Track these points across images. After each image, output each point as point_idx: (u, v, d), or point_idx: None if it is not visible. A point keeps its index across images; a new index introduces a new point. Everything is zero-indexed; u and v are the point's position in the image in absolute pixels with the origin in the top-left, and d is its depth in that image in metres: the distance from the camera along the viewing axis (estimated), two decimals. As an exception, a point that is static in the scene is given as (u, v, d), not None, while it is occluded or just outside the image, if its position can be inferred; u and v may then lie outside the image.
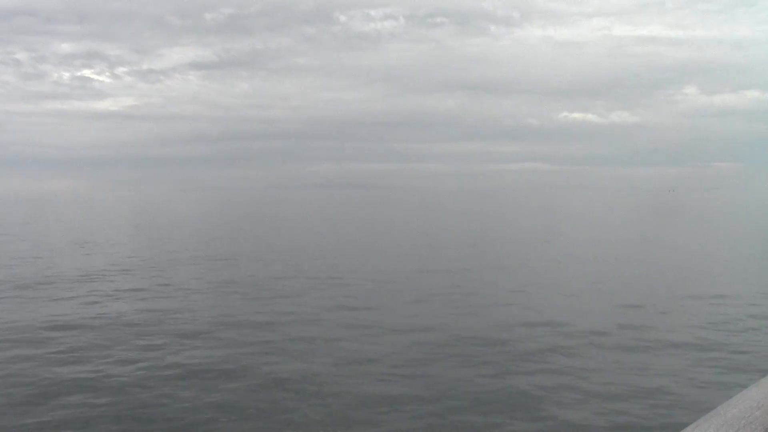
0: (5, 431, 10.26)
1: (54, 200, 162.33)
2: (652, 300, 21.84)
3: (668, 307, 20.88)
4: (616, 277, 27.72)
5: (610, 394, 12.04)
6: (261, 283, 25.22)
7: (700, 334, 16.77)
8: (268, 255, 33.92)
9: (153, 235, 47.48)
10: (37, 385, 12.45)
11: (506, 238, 48.24)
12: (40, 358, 14.27)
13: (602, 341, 16.03)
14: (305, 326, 17.64)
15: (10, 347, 15.19)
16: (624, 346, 15.70)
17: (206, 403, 11.56)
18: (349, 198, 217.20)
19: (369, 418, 10.91)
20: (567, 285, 25.56)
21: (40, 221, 69.59)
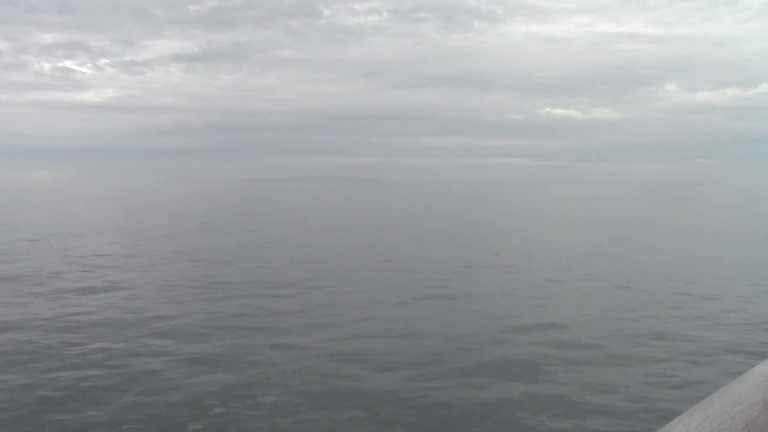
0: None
1: (33, 191, 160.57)
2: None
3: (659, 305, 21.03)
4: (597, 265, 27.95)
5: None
6: (211, 284, 22.65)
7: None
8: (233, 253, 31.82)
9: (120, 231, 46.15)
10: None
11: (490, 234, 48.45)
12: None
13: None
14: (253, 331, 16.13)
15: None
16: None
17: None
18: (333, 192, 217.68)
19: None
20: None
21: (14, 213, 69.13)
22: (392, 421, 10.25)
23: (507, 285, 23.15)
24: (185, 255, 30.73)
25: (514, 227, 53.42)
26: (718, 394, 1.78)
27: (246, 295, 20.56)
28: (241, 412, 10.48)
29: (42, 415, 10.27)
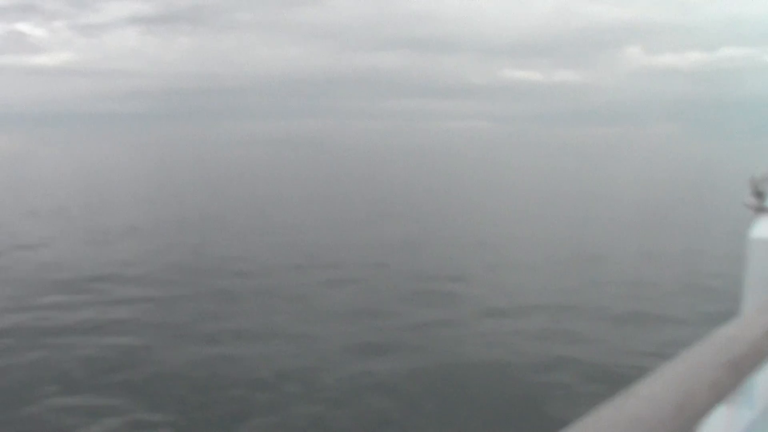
0: None
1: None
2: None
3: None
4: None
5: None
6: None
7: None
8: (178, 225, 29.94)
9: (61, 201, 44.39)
10: None
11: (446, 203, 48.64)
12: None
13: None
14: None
15: None
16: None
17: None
18: (290, 156, 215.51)
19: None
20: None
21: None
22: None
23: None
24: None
25: (452, 199, 52.94)
26: (683, 356, 1.78)
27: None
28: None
29: None
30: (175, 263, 19.94)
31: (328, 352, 12.09)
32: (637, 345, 12.57)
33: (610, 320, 14.25)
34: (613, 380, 10.33)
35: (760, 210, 4.09)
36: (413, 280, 17.99)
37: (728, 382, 1.73)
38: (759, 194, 4.34)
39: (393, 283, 17.72)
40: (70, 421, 9.17)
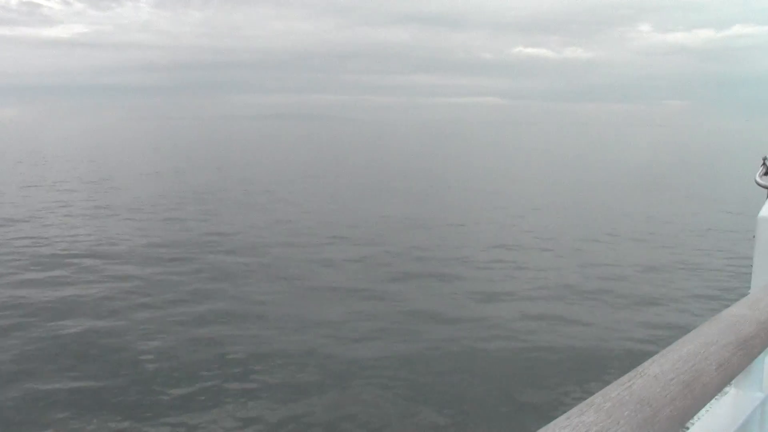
0: None
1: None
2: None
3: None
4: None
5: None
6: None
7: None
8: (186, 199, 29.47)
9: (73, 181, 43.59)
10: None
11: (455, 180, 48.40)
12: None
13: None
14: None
15: None
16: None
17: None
18: (300, 130, 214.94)
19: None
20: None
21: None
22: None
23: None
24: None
25: (460, 175, 52.21)
26: (692, 335, 1.78)
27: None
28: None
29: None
30: (166, 240, 19.36)
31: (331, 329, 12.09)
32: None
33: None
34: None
35: (771, 190, 4.06)
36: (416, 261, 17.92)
37: (736, 361, 1.73)
38: (770, 174, 4.31)
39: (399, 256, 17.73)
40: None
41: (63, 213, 24.78)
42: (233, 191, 32.63)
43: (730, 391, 2.39)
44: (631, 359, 9.92)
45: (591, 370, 10.16)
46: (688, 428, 2.23)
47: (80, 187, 34.36)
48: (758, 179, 4.22)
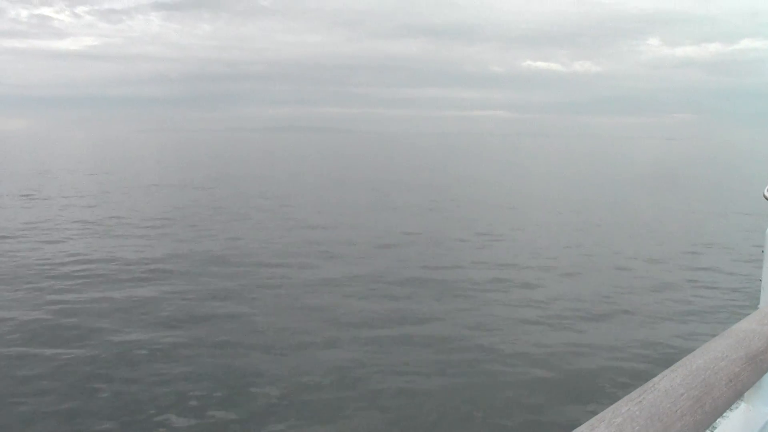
0: None
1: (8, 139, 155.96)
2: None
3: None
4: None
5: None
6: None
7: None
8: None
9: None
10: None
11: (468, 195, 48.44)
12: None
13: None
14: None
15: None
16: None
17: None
18: (309, 142, 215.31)
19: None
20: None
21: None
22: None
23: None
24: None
25: (465, 184, 52.67)
26: (702, 350, 1.79)
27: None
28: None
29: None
30: (172, 254, 19.30)
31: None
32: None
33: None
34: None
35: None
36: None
37: (746, 376, 1.74)
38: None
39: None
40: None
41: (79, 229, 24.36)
42: (245, 204, 32.33)
43: (740, 406, 2.39)
44: (641, 374, 9.89)
45: (600, 386, 10.13)
46: None
47: (84, 202, 33.13)
48: (766, 194, 4.21)
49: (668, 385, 1.48)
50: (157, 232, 23.43)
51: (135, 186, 41.42)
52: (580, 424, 1.23)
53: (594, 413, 1.28)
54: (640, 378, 9.39)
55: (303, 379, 10.00)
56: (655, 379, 1.51)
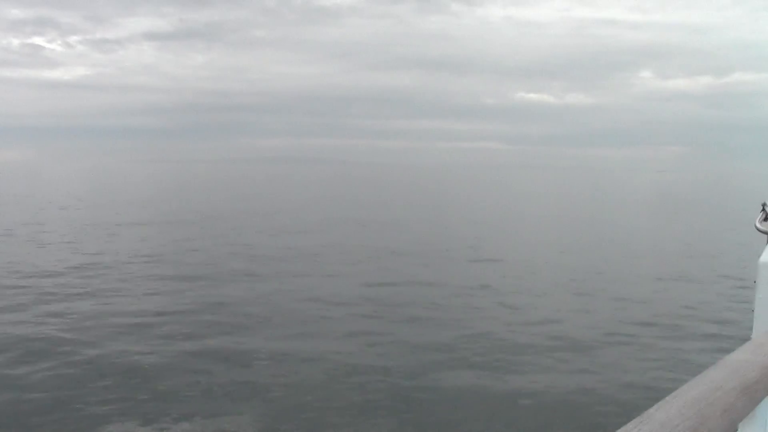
0: None
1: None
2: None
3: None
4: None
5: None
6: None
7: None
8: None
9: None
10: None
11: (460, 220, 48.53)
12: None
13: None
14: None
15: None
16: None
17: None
18: (306, 174, 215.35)
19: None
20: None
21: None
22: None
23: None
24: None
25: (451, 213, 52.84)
26: (697, 380, 1.81)
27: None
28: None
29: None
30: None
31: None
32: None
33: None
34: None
35: (770, 235, 4.08)
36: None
37: (741, 406, 1.75)
38: (770, 219, 4.33)
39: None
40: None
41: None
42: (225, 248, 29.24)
43: None
44: (637, 405, 9.84)
45: (596, 416, 10.07)
46: None
47: (73, 239, 31.43)
48: (758, 225, 4.25)
49: (664, 416, 1.49)
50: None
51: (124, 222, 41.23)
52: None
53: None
54: (635, 408, 9.34)
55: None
56: (651, 410, 1.52)
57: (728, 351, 2.12)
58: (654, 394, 10.14)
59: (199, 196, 69.32)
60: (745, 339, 2.56)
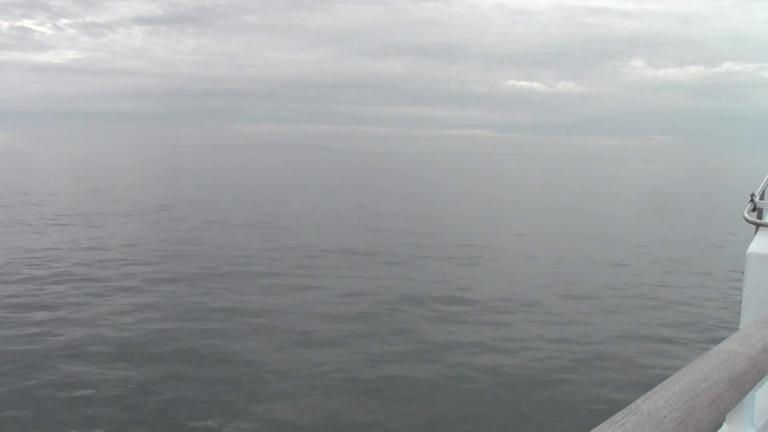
0: None
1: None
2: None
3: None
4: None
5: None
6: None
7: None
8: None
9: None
10: None
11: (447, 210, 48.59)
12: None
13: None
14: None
15: None
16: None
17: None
18: (292, 160, 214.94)
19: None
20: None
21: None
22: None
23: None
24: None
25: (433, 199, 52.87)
26: (684, 372, 1.80)
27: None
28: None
29: None
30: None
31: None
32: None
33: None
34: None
35: (758, 226, 4.11)
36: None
37: (728, 397, 1.75)
38: (757, 210, 4.37)
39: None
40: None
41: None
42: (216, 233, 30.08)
43: (723, 427, 2.40)
44: (624, 395, 9.91)
45: (585, 405, 10.10)
46: None
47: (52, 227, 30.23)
48: (746, 215, 4.27)
49: (651, 407, 1.49)
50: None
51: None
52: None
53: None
54: (621, 400, 9.41)
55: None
56: (638, 401, 1.51)
57: (716, 342, 2.12)
58: (635, 388, 10.24)
59: (185, 184, 68.57)
60: (733, 330, 2.56)
